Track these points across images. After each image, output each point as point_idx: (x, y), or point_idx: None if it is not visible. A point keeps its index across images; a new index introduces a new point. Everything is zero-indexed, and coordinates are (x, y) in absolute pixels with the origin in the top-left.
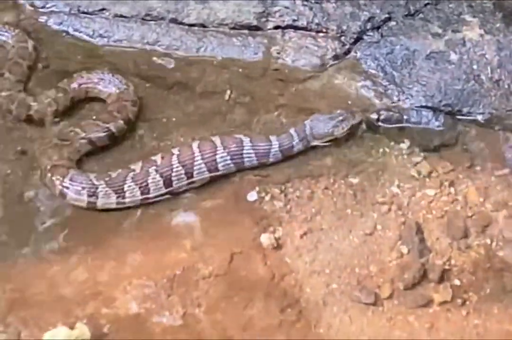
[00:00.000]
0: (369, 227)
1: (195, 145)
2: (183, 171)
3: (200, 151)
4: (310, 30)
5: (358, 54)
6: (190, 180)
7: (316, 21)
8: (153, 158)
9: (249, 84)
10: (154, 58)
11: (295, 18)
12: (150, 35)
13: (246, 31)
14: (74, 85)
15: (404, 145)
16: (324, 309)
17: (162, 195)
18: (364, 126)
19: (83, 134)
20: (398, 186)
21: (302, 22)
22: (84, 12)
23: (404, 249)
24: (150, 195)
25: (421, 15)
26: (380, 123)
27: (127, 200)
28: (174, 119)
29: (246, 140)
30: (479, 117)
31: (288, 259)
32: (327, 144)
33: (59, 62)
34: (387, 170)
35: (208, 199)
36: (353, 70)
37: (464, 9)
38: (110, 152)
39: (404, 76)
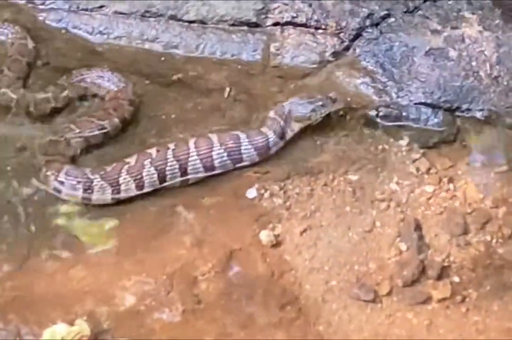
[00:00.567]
0: (368, 224)
1: (191, 141)
2: (177, 166)
3: (196, 147)
4: (309, 26)
5: (357, 51)
6: (185, 176)
7: (315, 17)
8: (148, 151)
9: (248, 81)
10: (154, 55)
11: (294, 14)
12: (150, 32)
13: (245, 28)
14: (73, 82)
15: (403, 141)
16: (323, 306)
17: (157, 189)
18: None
19: (77, 131)
20: (397, 183)
21: (301, 19)
22: (83, 9)
23: (403, 246)
24: (145, 190)
25: (420, 12)
26: (379, 120)
27: (122, 194)
28: (173, 116)
29: (243, 136)
30: (478, 114)
31: (287, 256)
32: (301, 127)
33: (58, 59)
34: (386, 167)
35: (207, 196)
36: (352, 66)
37: (463, 5)
38: (109, 148)
39: (403, 72)
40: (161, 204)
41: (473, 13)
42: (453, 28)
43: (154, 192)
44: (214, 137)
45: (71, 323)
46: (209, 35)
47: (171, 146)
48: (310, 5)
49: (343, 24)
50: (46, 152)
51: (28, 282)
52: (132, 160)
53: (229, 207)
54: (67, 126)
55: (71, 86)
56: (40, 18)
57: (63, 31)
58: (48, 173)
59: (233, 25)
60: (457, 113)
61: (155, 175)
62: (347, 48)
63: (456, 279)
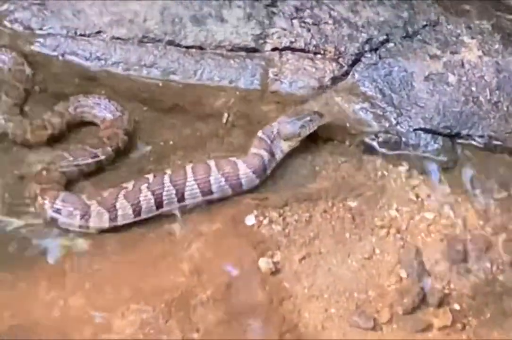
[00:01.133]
0: (367, 251)
1: (188, 166)
2: (174, 191)
3: (193, 172)
4: (308, 51)
5: (356, 76)
6: (182, 202)
7: (314, 42)
8: (146, 176)
9: (246, 106)
10: (152, 81)
11: (293, 40)
12: (147, 57)
13: (243, 53)
14: (70, 109)
15: (403, 168)
16: (322, 334)
17: (154, 215)
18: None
19: (71, 159)
20: (397, 210)
21: (300, 44)
22: (81, 35)
23: (403, 273)
24: (142, 216)
25: (419, 37)
26: (378, 146)
27: (119, 219)
28: (171, 142)
29: (240, 162)
30: (478, 140)
31: (286, 284)
32: (291, 146)
33: (55, 85)
34: (386, 193)
35: (206, 223)
36: (351, 92)
37: (463, 30)
38: (106, 175)
39: (403, 98)
40: (159, 230)
41: (472, 38)
42: (452, 53)
43: (153, 219)
44: (211, 163)
45: None
46: (207, 61)
47: (168, 171)
48: (308, 30)
49: (342, 49)
50: (40, 180)
51: (26, 310)
52: (129, 185)
53: (228, 234)
54: (61, 154)
55: (68, 113)
56: (38, 43)
57: (61, 57)
58: (44, 201)
59: (231, 50)
60: (457, 139)
61: (152, 201)
62: (346, 73)
63: (456, 306)
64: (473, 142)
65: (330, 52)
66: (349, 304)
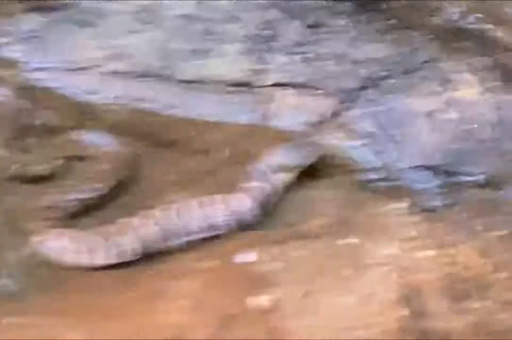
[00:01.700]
0: (368, 288)
1: (194, 201)
2: (180, 225)
3: (200, 207)
4: (308, 87)
5: (356, 112)
6: (188, 236)
7: (314, 78)
8: (150, 211)
9: (246, 142)
10: (150, 115)
11: (293, 75)
12: (146, 92)
13: (243, 88)
14: (69, 143)
15: (403, 205)
16: None
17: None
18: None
19: (67, 195)
20: (398, 247)
21: (300, 79)
22: (80, 68)
23: (405, 311)
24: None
25: (419, 73)
26: (378, 182)
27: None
28: (171, 177)
29: (244, 197)
30: (479, 177)
31: (285, 322)
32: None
33: (54, 119)
34: (386, 230)
35: (205, 259)
36: (351, 127)
37: (463, 66)
38: (102, 211)
39: (403, 134)
40: (158, 267)
41: (473, 74)
42: (453, 89)
43: (152, 256)
44: (217, 198)
45: None
46: (207, 95)
47: (175, 205)
48: (309, 65)
49: (342, 84)
50: (39, 217)
51: None
52: (133, 220)
53: (227, 270)
54: (61, 189)
55: (67, 148)
56: (36, 77)
57: (59, 90)
58: (40, 238)
59: (230, 85)
60: (458, 176)
61: (159, 235)
62: (346, 109)
63: None
64: (474, 179)
65: (330, 88)
66: None
